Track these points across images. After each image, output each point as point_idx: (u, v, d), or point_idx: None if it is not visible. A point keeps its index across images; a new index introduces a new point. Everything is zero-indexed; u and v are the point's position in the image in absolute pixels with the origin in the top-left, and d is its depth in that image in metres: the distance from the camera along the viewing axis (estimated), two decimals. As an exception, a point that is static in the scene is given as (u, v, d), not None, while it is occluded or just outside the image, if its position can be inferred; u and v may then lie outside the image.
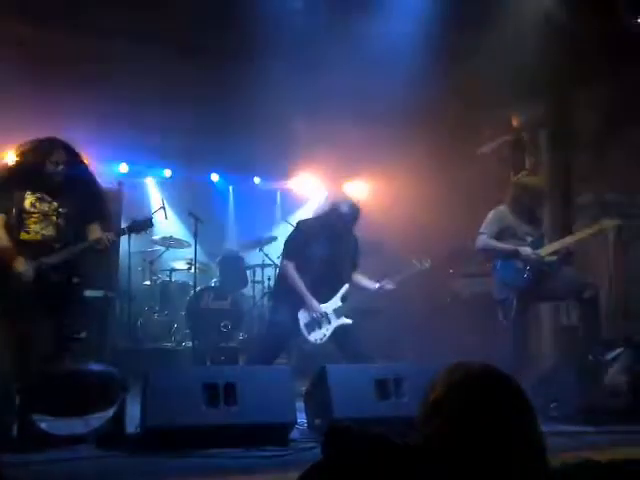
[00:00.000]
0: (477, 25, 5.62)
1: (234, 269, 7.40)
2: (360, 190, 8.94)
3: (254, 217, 8.40)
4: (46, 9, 5.54)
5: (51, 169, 3.83)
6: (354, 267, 4.82)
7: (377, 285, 4.73)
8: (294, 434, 3.49)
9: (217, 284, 7.19)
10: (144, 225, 4.16)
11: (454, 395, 1.23)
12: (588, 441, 3.46)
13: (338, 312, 4.58)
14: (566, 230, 5.34)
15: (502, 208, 4.97)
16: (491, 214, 4.96)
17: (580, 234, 5.15)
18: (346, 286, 4.65)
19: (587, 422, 3.80)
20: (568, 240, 4.98)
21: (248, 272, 7.55)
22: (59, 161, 3.84)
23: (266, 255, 7.33)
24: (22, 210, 3.76)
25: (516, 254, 4.72)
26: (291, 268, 4.55)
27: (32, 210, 3.77)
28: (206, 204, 7.97)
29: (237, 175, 8.78)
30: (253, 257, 7.71)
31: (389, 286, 4.71)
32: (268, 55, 5.98)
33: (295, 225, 4.92)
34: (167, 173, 8.30)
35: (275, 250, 6.95)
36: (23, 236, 3.73)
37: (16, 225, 3.73)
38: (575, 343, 5.32)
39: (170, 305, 7.04)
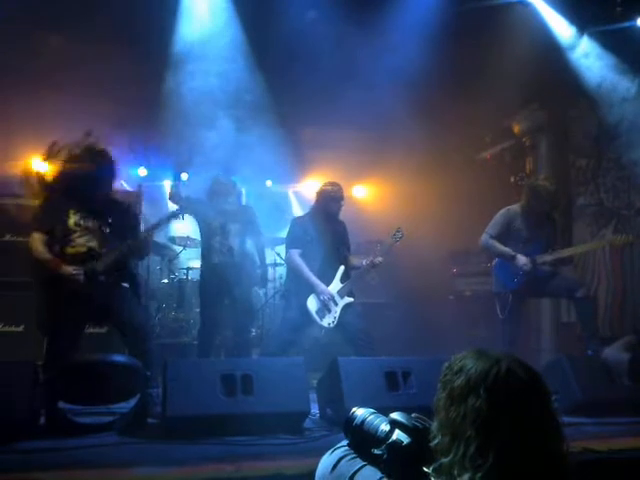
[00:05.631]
0: (481, 38, 5.62)
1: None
2: (365, 194, 8.96)
3: (266, 218, 8.39)
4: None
5: (98, 192, 3.82)
6: (348, 250, 4.92)
7: (364, 262, 4.76)
8: (307, 423, 3.48)
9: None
10: (175, 213, 4.18)
11: (482, 383, 1.18)
12: (587, 432, 3.43)
13: (341, 292, 4.63)
14: (566, 232, 5.30)
15: (514, 208, 4.92)
16: (499, 214, 4.93)
17: (587, 246, 5.14)
18: (342, 268, 4.72)
19: (586, 414, 3.77)
20: (573, 251, 4.94)
21: (260, 271, 7.55)
22: (105, 183, 3.84)
23: (277, 254, 7.32)
24: (66, 228, 3.73)
25: (512, 259, 4.70)
26: (296, 255, 4.66)
27: (76, 228, 3.75)
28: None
29: (250, 178, 8.77)
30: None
31: (378, 259, 4.73)
32: (280, 65, 6.00)
33: (291, 221, 5.04)
34: (184, 177, 8.31)
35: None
36: (68, 250, 3.71)
37: (60, 240, 3.70)
38: (574, 339, 5.30)
39: (187, 302, 7.04)
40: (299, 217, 5.06)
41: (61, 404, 3.33)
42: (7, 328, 4.99)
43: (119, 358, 3.55)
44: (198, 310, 6.80)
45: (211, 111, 6.58)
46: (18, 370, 3.27)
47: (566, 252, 4.85)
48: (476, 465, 1.12)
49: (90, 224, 3.80)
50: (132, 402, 3.44)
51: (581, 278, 5.90)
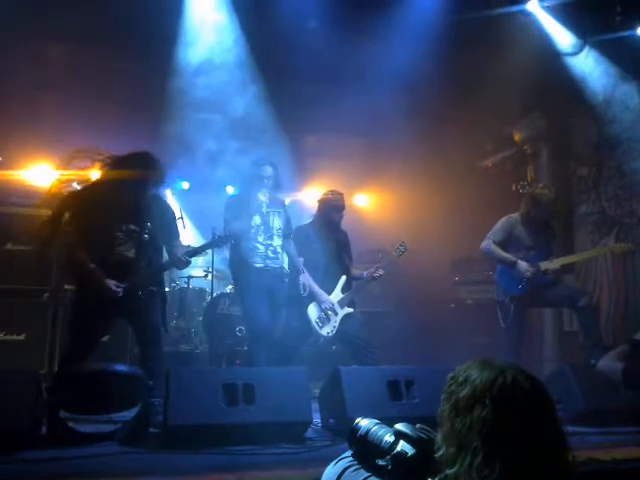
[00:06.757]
0: (482, 46, 5.65)
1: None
2: (366, 202, 8.96)
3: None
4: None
5: (139, 196, 3.81)
6: (350, 259, 4.94)
7: (365, 273, 4.82)
8: (309, 433, 3.48)
9: (232, 291, 7.18)
10: (222, 241, 4.18)
11: (487, 393, 1.19)
12: (591, 441, 3.42)
13: (342, 303, 4.66)
14: (568, 239, 5.31)
15: (515, 216, 4.96)
16: (501, 221, 4.96)
17: (588, 253, 5.13)
18: (343, 278, 4.74)
19: (590, 423, 3.76)
20: (575, 258, 4.94)
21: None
22: (147, 186, 3.83)
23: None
24: (110, 234, 3.75)
25: (514, 265, 4.72)
26: (300, 264, 4.65)
27: (119, 234, 3.77)
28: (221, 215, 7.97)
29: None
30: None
31: (379, 272, 4.78)
32: (281, 73, 6.03)
33: (294, 229, 5.00)
34: (185, 186, 8.33)
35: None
36: (111, 259, 3.74)
37: (105, 248, 3.72)
38: (577, 348, 5.29)
39: (188, 311, 7.04)
40: (302, 226, 5.06)
41: (63, 413, 3.33)
42: (8, 337, 4.98)
43: (121, 367, 3.56)
44: (200, 319, 6.83)
45: (212, 120, 6.61)
46: (20, 380, 3.27)
47: (568, 259, 4.87)
48: (483, 475, 1.12)
49: (132, 227, 3.80)
50: (134, 411, 3.44)
51: (583, 287, 5.91)
